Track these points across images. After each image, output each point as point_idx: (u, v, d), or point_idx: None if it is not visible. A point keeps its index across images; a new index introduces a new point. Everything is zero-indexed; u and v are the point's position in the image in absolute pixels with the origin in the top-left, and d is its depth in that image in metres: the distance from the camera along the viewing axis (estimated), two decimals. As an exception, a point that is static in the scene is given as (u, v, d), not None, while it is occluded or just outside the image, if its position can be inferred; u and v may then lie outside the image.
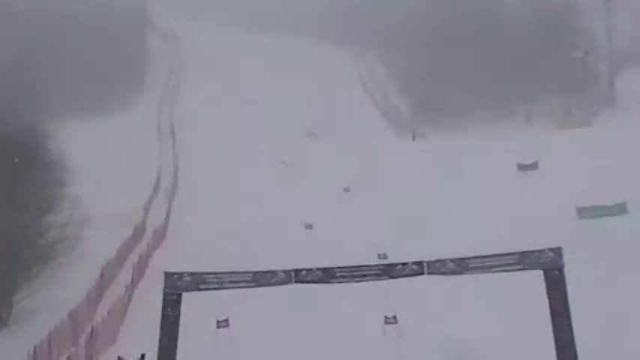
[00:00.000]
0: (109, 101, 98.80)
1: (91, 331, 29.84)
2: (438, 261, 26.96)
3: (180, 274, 27.71)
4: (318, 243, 47.20)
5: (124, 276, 40.20)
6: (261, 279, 27.46)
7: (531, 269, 26.46)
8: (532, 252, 26.57)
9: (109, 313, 32.97)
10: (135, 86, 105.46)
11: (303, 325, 32.88)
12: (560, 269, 26.19)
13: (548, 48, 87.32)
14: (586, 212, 48.03)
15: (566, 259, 26.21)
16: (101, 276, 38.19)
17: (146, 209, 56.75)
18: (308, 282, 27.21)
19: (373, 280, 27.35)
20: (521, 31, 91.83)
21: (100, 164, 68.55)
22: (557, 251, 26.36)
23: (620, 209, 47.69)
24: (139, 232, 50.28)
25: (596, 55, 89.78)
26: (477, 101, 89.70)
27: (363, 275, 27.28)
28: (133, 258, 43.54)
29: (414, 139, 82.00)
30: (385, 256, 40.56)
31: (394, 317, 31.63)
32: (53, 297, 35.66)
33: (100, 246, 42.89)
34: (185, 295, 27.38)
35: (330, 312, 33.93)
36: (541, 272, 26.32)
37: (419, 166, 66.74)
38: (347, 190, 61.58)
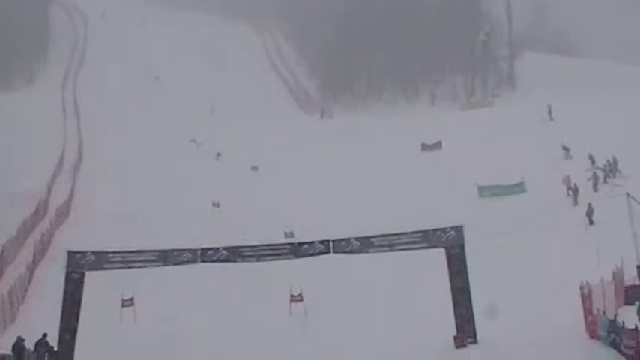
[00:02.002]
0: (11, 76, 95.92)
1: (-9, 311, 29.23)
2: (344, 240, 27.46)
3: (84, 253, 27.43)
4: (225, 221, 47.18)
5: (25, 255, 39.37)
6: (167, 258, 27.42)
7: (434, 247, 27.23)
8: (435, 230, 27.33)
9: (9, 292, 32.31)
10: (38, 61, 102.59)
11: (208, 304, 32.91)
12: (462, 247, 27.04)
13: (452, 30, 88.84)
14: (486, 191, 49.37)
15: (467, 236, 27.03)
16: (1, 255, 37.30)
17: (49, 187, 55.54)
18: (214, 261, 27.32)
19: (280, 258, 27.65)
20: (426, 14, 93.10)
21: (0, 140, 66.68)
22: (459, 229, 27.19)
23: (519, 188, 49.17)
24: (41, 210, 49.20)
25: (497, 38, 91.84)
26: (383, 82, 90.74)
27: (270, 254, 27.54)
28: (34, 236, 42.63)
29: (321, 117, 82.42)
30: (292, 235, 40.88)
31: (300, 295, 32.00)
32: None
33: (0, 224, 41.84)
34: (90, 274, 27.12)
35: (236, 290, 34.04)
36: (443, 250, 27.11)
37: (326, 144, 67.20)
38: (254, 168, 61.57)
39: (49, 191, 54.72)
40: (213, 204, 51.61)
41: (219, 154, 66.70)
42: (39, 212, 48.39)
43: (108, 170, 62.08)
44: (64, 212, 50.75)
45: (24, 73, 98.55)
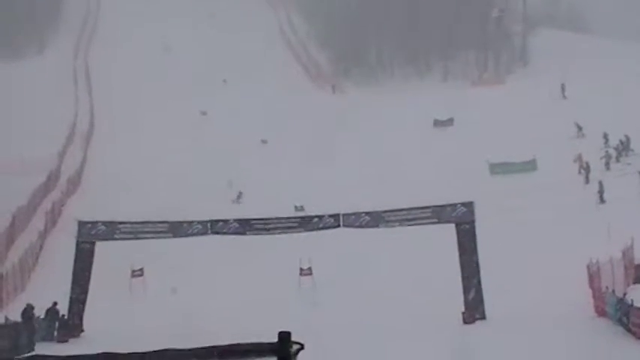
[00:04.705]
0: (21, 45, 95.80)
1: (1, 278, 29.40)
2: (354, 214, 27.46)
3: (94, 223, 27.53)
4: (235, 194, 47.22)
5: (37, 223, 39.55)
6: (178, 229, 27.48)
7: (444, 223, 27.21)
8: (445, 206, 27.31)
9: (19, 260, 32.49)
10: (49, 29, 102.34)
11: (218, 276, 33.00)
12: (472, 223, 27.00)
13: (465, 6, 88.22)
14: (498, 168, 49.27)
15: (478, 213, 26.98)
16: (12, 223, 37.46)
17: (61, 156, 55.67)
18: (224, 233, 27.35)
19: (290, 232, 27.69)
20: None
21: (11, 109, 66.72)
22: (469, 206, 27.16)
23: (531, 166, 49.06)
24: (52, 179, 49.37)
25: (510, 14, 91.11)
26: (395, 57, 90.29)
27: (280, 227, 27.56)
28: (45, 205, 42.80)
29: (333, 92, 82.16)
30: (302, 209, 40.89)
31: (309, 269, 32.05)
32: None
33: (11, 192, 41.94)
34: (100, 244, 27.22)
35: (246, 262, 34.11)
36: (453, 225, 27.09)
37: (337, 119, 67.01)
38: (264, 142, 61.51)
39: (61, 160, 54.85)
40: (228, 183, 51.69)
41: (228, 128, 66.62)
42: (50, 181, 48.55)
43: (120, 140, 62.15)
44: (75, 182, 50.90)
45: (35, 42, 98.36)
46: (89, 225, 27.46)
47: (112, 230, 27.39)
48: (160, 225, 27.68)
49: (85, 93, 79.00)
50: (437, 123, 63.67)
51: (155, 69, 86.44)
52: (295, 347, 4.69)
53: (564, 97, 66.72)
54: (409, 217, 27.32)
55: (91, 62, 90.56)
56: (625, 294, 23.65)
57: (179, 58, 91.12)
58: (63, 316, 26.47)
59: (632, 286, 26.37)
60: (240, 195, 48.31)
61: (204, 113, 71.55)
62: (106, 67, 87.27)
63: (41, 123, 63.69)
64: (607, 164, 45.87)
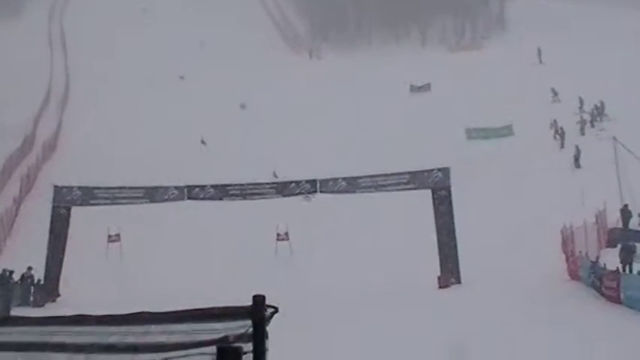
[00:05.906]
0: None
1: (-23, 244, 29.29)
2: (331, 179, 27.56)
3: (70, 188, 27.47)
4: (212, 159, 47.10)
5: (12, 189, 39.32)
6: (154, 195, 27.48)
7: (420, 188, 27.38)
8: (421, 172, 27.47)
9: (-5, 226, 32.36)
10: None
11: (194, 242, 33.01)
12: (448, 188, 27.19)
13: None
14: (474, 133, 49.47)
15: (454, 178, 27.15)
16: (-13, 189, 37.29)
17: (36, 121, 55.20)
18: (201, 199, 27.37)
19: (266, 197, 27.74)
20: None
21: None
22: (446, 171, 27.33)
23: (507, 131, 49.31)
24: (28, 144, 49.00)
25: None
26: (373, 22, 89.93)
27: (257, 193, 27.61)
28: (21, 170, 42.53)
29: (310, 57, 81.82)
30: (278, 175, 40.90)
31: (286, 234, 32.13)
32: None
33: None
34: (76, 209, 27.15)
35: (222, 228, 34.14)
36: (429, 191, 27.27)
37: (314, 84, 66.84)
38: (243, 106, 61.31)
39: (36, 125, 54.41)
40: (202, 141, 51.55)
41: (206, 92, 66.30)
42: (25, 146, 48.20)
43: (96, 104, 61.67)
44: (51, 146, 50.56)
45: (10, 5, 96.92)
46: (65, 190, 27.38)
47: (88, 195, 27.34)
48: (137, 190, 27.67)
49: (61, 57, 78.18)
50: (414, 88, 63.66)
51: (132, 32, 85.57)
52: (270, 311, 4.72)
53: (541, 62, 66.90)
54: (386, 182, 27.47)
55: (67, 25, 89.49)
56: (598, 258, 23.96)
57: (156, 22, 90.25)
58: (39, 280, 26.45)
59: (604, 250, 26.73)
60: (217, 160, 48.59)
61: (182, 77, 71.10)
62: (81, 30, 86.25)
63: (16, 87, 63.03)
64: (582, 129, 46.19)
